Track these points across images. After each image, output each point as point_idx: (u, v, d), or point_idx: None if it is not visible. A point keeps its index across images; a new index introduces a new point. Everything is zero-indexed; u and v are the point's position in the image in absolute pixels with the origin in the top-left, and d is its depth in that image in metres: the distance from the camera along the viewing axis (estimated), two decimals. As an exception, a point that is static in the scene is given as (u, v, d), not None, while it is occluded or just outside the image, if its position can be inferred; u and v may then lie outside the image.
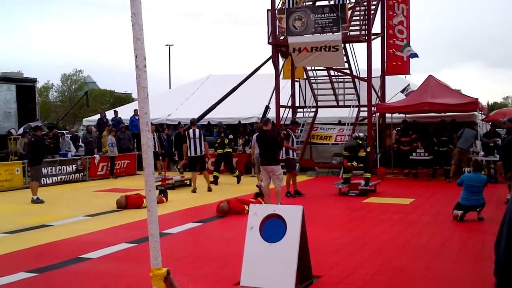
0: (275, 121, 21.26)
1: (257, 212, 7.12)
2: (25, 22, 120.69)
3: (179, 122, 25.94)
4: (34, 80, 29.05)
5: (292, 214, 6.95)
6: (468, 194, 11.27)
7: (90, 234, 10.54)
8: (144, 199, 13.31)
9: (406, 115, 22.07)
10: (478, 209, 11.27)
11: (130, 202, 13.48)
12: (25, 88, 27.71)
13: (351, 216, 12.78)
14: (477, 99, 20.10)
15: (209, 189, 17.07)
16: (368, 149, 16.59)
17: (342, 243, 9.37)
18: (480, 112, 21.77)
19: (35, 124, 24.06)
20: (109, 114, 27.81)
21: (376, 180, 17.08)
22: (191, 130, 17.47)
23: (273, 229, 6.92)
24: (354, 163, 15.90)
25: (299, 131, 22.33)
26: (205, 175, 17.49)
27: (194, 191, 16.89)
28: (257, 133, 15.02)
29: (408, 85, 23.88)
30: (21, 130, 24.56)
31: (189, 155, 17.34)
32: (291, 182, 15.73)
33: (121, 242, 9.49)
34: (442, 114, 21.43)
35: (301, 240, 6.80)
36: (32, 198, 14.98)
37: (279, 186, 13.27)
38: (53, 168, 19.64)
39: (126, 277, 7.41)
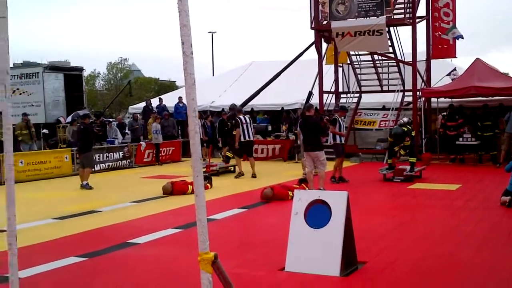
0: (318, 107, 21.18)
1: (302, 198, 7.15)
2: (68, 11, 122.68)
3: (223, 109, 26.01)
4: (81, 69, 29.67)
5: (337, 200, 6.95)
6: (517, 180, 11.05)
7: (137, 219, 10.75)
8: (189, 186, 13.52)
9: (453, 100, 21.68)
10: (527, 195, 11.06)
11: (176, 188, 13.66)
12: (72, 77, 28.35)
13: (396, 202, 12.70)
14: (526, 82, 19.61)
15: (254, 175, 17.10)
16: (413, 133, 16.39)
17: (388, 229, 9.33)
18: (530, 95, 21.23)
19: (83, 112, 24.66)
20: (154, 102, 28.16)
21: (421, 165, 16.87)
22: (241, 116, 17.57)
23: (318, 214, 6.94)
24: (402, 151, 15.80)
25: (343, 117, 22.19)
26: (251, 161, 17.56)
27: (240, 175, 17.02)
28: (300, 119, 15.03)
29: (455, 68, 23.40)
30: (69, 118, 25.15)
31: (242, 139, 17.34)
32: (338, 167, 15.70)
33: (168, 228, 9.65)
34: (490, 98, 20.97)
35: (346, 225, 6.80)
36: (82, 183, 15.35)
37: (323, 171, 13.38)
38: (101, 155, 20.04)
39: (173, 261, 7.54)
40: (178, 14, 4.49)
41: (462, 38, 22.14)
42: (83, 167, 15.75)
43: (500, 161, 18.59)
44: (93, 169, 18.94)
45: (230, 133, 18.48)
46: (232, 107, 18.77)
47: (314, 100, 22.88)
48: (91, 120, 23.35)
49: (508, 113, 19.15)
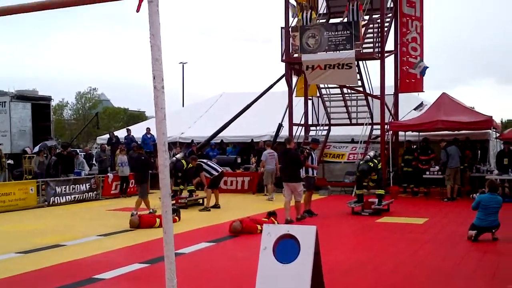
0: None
1: (271, 232, 7.09)
2: (38, 40, 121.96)
3: (192, 141, 26.00)
4: (49, 98, 29.29)
5: (305, 234, 6.91)
6: (484, 215, 11.13)
7: (103, 254, 10.54)
8: (157, 219, 13.38)
9: (420, 133, 21.98)
10: (493, 230, 11.17)
11: (143, 222, 13.48)
12: (40, 106, 27.95)
13: (365, 235, 12.71)
14: (491, 116, 19.98)
15: (218, 206, 17.56)
16: (380, 166, 16.52)
17: (356, 264, 9.30)
18: (494, 130, 21.64)
19: (51, 143, 24.26)
20: (122, 133, 27.95)
21: (389, 199, 16.98)
22: (201, 161, 18.12)
23: (286, 249, 6.89)
24: (371, 183, 15.92)
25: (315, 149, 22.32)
26: (216, 193, 17.80)
27: (207, 209, 16.98)
28: (281, 151, 15.83)
29: (422, 102, 23.80)
30: (36, 149, 24.71)
31: (215, 174, 17.72)
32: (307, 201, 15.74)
33: (135, 262, 9.48)
34: (456, 132, 21.33)
35: (315, 260, 6.76)
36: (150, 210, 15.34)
37: (299, 202, 14.30)
38: (67, 187, 19.68)
39: (139, 298, 7.39)
40: (150, 48, 4.48)
41: (427, 67, 22.53)
42: (144, 196, 15.89)
43: (448, 196, 18.88)
44: (58, 202, 19.10)
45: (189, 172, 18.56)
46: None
47: (284, 132, 23.04)
48: (58, 151, 23.17)
49: (443, 150, 19.46)
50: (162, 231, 4.68)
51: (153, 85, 4.49)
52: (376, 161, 16.12)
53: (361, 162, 16.43)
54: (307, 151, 15.63)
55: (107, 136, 29.16)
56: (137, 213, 14.97)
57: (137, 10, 4.67)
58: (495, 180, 14.60)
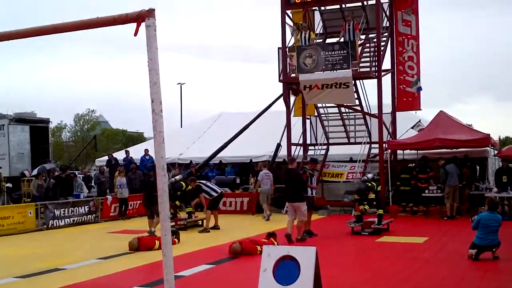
0: (286, 159, 21.28)
1: (271, 254, 7.08)
2: (37, 62, 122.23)
3: (191, 161, 26.00)
4: (47, 121, 29.33)
5: (305, 255, 6.90)
6: (484, 233, 11.09)
7: (103, 277, 10.48)
8: (156, 241, 13.33)
9: (418, 151, 22.00)
10: (494, 249, 11.12)
11: (142, 244, 13.42)
12: (38, 129, 27.96)
13: (365, 255, 12.66)
14: (489, 134, 20.00)
15: (217, 227, 17.46)
16: (379, 188, 16.52)
17: (356, 284, 9.26)
18: (493, 147, 21.66)
19: (50, 166, 24.23)
20: (121, 155, 27.95)
21: (389, 218, 16.94)
22: (199, 183, 18.21)
23: (286, 271, 6.88)
24: (367, 207, 15.86)
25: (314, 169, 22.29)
26: (215, 214, 17.73)
27: (206, 231, 16.92)
28: (284, 171, 16.05)
29: (419, 120, 23.84)
30: (35, 172, 24.66)
31: (214, 195, 17.76)
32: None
33: (135, 286, 9.43)
34: (454, 150, 21.34)
35: (315, 282, 6.74)
36: (150, 230, 15.88)
37: (302, 222, 14.37)
38: (66, 209, 19.60)
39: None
40: (148, 72, 4.51)
41: (420, 87, 22.72)
42: (152, 217, 15.98)
43: (448, 215, 18.86)
44: (57, 225, 19.04)
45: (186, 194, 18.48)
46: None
47: (283, 152, 23.04)
48: (57, 174, 23.14)
49: (442, 168, 19.49)
50: (161, 253, 4.68)
51: (151, 108, 4.51)
52: (374, 183, 16.12)
53: (355, 181, 16.42)
54: (310, 172, 15.66)
55: (106, 158, 29.15)
56: (154, 231, 15.38)
57: (135, 34, 4.71)
58: (495, 198, 14.56)
